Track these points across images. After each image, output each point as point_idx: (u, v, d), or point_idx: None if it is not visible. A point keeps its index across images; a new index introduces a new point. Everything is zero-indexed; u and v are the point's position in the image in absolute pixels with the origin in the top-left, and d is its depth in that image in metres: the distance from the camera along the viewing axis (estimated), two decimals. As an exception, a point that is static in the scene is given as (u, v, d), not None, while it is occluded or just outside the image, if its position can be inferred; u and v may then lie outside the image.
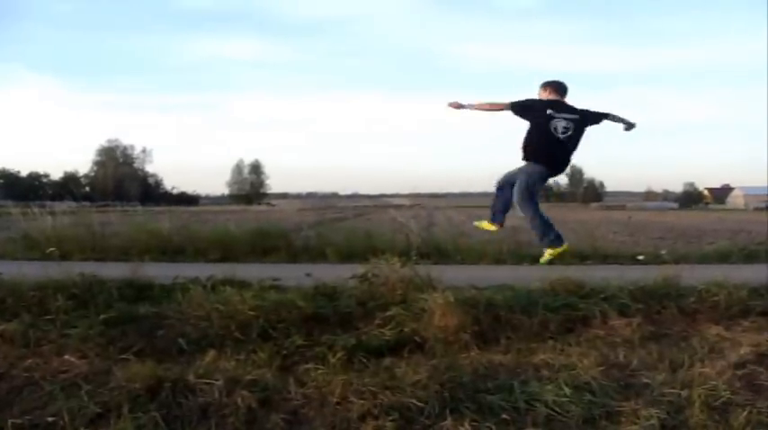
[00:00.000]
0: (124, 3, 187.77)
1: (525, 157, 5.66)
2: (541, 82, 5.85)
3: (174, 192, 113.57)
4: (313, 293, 5.33)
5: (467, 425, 3.09)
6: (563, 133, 5.54)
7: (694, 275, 5.86)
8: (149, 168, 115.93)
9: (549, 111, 5.55)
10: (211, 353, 4.14)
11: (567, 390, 3.46)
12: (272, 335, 4.60)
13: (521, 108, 5.65)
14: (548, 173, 5.73)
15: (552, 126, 5.51)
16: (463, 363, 4.02)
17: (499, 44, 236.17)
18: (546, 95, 5.74)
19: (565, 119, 5.55)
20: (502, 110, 5.69)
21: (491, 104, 5.74)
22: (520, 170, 5.70)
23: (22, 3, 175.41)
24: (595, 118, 5.74)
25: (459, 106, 5.72)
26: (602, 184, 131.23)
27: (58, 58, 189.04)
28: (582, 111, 5.67)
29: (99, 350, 4.26)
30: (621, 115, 5.81)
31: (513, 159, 5.81)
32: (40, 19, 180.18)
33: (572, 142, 5.61)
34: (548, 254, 5.71)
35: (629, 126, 5.82)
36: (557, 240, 5.66)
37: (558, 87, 5.76)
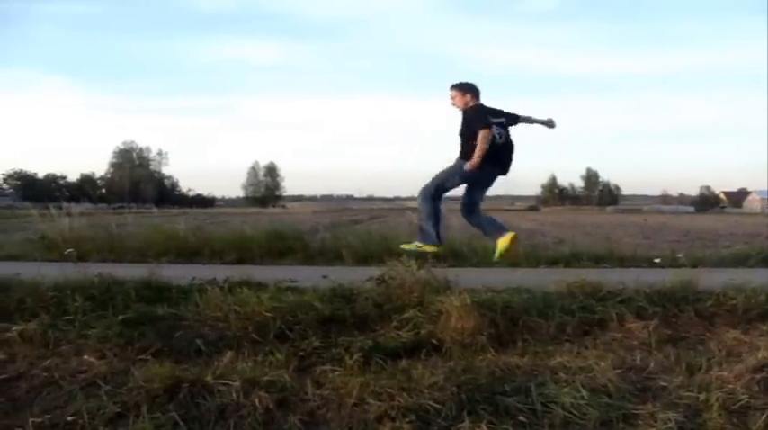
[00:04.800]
0: (141, 6, 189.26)
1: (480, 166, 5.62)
2: (456, 84, 5.89)
3: (190, 194, 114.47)
4: (330, 295, 5.33)
5: (484, 426, 3.10)
6: (499, 138, 5.72)
7: (711, 279, 5.82)
8: (165, 170, 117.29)
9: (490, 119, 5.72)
10: (229, 354, 4.15)
11: (584, 393, 3.45)
12: (290, 337, 4.61)
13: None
14: (499, 174, 5.91)
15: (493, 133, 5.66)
16: (480, 366, 4.01)
17: (516, 47, 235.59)
18: (470, 100, 5.82)
19: (495, 124, 5.71)
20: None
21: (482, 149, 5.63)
22: (452, 172, 5.83)
23: (39, 6, 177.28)
24: (513, 119, 5.96)
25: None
26: (617, 188, 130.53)
27: (76, 61, 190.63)
28: (502, 112, 5.90)
29: (117, 350, 4.29)
30: (535, 116, 6.05)
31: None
32: (58, 22, 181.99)
33: (508, 142, 5.84)
34: (415, 245, 5.98)
35: (547, 124, 6.06)
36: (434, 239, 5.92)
37: (478, 91, 5.89)
